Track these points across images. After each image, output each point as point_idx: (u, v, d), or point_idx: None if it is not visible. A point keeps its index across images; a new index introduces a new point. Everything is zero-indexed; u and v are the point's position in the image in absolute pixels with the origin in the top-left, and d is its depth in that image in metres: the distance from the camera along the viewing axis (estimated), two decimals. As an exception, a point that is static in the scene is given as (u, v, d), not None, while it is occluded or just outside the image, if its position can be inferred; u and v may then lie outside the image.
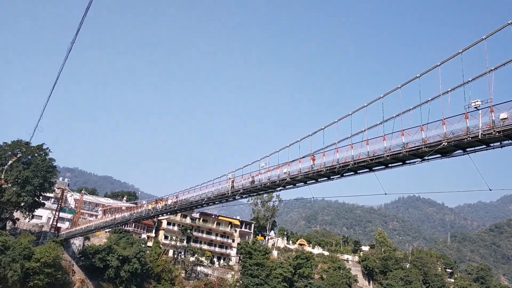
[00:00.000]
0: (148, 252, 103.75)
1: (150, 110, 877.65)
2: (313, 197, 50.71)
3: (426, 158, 34.98)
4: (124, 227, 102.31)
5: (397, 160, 37.03)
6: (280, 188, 48.58)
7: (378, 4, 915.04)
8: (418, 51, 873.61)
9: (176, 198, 66.57)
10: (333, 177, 42.83)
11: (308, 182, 45.80)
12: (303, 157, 44.43)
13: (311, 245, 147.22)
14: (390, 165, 38.26)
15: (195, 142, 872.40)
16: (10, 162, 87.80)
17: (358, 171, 40.71)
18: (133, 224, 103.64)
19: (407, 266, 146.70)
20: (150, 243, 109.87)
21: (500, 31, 30.47)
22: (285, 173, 46.11)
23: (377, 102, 37.63)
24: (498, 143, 31.45)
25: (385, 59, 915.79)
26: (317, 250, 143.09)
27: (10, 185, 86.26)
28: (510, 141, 30.81)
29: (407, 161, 36.96)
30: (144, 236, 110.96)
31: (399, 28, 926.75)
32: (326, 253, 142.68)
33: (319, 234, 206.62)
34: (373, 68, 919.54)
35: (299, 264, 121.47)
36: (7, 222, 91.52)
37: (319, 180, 44.83)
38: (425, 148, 33.49)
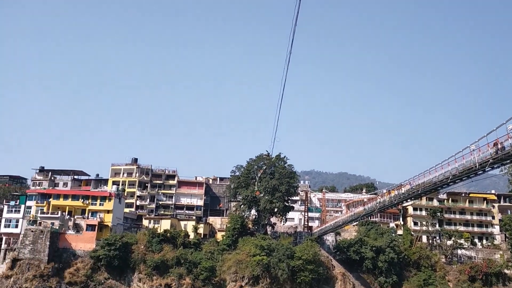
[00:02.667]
0: (400, 240, 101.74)
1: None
2: None
3: None
4: (370, 218, 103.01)
5: None
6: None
7: None
8: None
9: (410, 184, 63.78)
10: None
11: None
12: None
13: None
14: None
15: (430, 122, 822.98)
16: (259, 174, 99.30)
17: None
18: (379, 214, 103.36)
19: None
20: (399, 232, 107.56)
21: None
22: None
23: None
24: None
25: None
26: None
27: (262, 195, 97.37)
28: None
29: None
30: (392, 225, 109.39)
31: None
32: None
33: None
34: None
35: None
36: (267, 227, 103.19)
37: None
38: None
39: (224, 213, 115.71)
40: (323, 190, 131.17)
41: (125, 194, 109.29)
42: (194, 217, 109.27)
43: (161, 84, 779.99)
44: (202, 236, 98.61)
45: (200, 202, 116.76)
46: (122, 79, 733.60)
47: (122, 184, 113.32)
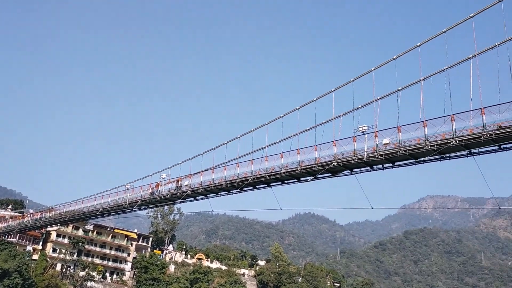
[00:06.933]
0: (33, 265, 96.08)
1: (38, 111, 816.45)
2: (213, 211, 51.13)
3: (318, 176, 37.52)
4: (7, 238, 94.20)
5: (293, 177, 39.22)
6: (180, 200, 48.56)
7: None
8: (314, 76, 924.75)
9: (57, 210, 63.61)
10: (233, 191, 43.97)
11: (208, 195, 46.36)
12: (205, 170, 45.04)
13: (209, 259, 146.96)
14: (286, 181, 40.34)
15: (93, 150, 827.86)
16: None
17: (257, 186, 42.29)
18: (18, 235, 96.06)
19: (300, 280, 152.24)
20: (36, 256, 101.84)
21: (386, 64, 34.23)
22: (186, 185, 46.24)
23: (277, 121, 39.75)
24: (380, 166, 34.85)
25: (285, 79, 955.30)
26: (215, 265, 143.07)
27: None
28: (390, 164, 34.32)
29: (302, 178, 39.28)
30: (29, 248, 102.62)
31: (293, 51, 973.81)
32: (224, 267, 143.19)
33: (218, 249, 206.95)
34: (276, 90, 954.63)
35: (196, 278, 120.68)
36: None
37: (219, 193, 45.65)
38: (318, 167, 35.96)
39: None
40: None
41: None
42: None
43: None
44: None
45: None
46: None
47: None
